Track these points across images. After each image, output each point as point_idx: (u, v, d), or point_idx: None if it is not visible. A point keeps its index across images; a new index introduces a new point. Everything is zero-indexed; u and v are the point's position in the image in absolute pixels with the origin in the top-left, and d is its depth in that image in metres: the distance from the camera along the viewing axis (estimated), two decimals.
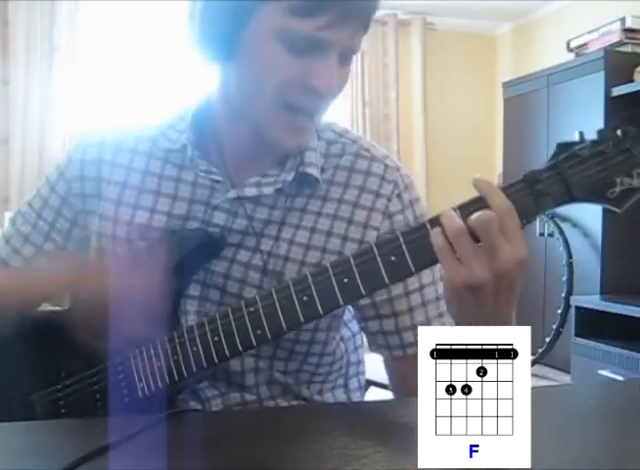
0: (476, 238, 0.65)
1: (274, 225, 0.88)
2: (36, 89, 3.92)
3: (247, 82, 0.81)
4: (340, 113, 4.42)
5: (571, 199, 0.66)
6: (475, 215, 0.65)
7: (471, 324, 0.68)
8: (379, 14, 0.83)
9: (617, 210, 0.66)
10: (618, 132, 0.66)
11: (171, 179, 0.90)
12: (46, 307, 1.19)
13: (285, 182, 0.87)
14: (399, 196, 0.90)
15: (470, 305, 0.67)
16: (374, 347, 0.94)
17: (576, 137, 0.67)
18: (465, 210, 0.66)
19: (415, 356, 0.87)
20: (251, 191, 0.87)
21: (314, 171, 0.88)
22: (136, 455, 0.59)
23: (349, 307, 0.97)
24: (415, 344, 0.89)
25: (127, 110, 3.99)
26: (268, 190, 0.87)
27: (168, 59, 4.07)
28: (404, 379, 0.93)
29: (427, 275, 0.90)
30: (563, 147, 0.67)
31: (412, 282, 0.89)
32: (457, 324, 0.72)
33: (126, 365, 0.82)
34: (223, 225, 0.88)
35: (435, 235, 0.66)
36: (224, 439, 0.65)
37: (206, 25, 0.79)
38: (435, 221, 0.67)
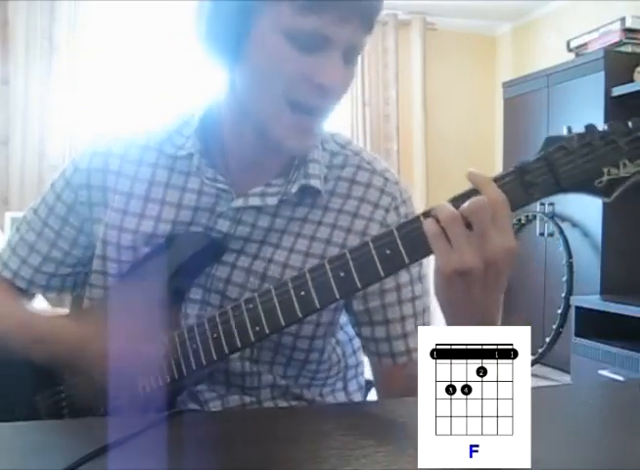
0: (468, 226, 0.66)
1: (275, 233, 0.89)
2: (36, 89, 3.91)
3: (253, 80, 0.81)
4: (340, 113, 4.41)
5: (560, 189, 0.68)
6: (468, 202, 0.66)
7: (457, 312, 0.71)
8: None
9: (606, 199, 0.67)
10: (605, 125, 0.67)
11: (177, 188, 0.90)
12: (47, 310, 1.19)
13: (288, 193, 0.88)
14: (397, 209, 0.92)
15: (458, 292, 0.69)
16: (366, 351, 0.95)
17: (565, 132, 0.70)
18: (458, 201, 0.68)
19: (403, 366, 0.89)
20: (255, 201, 0.88)
21: (317, 184, 0.89)
22: (136, 455, 0.59)
23: (344, 312, 0.97)
24: (404, 353, 0.91)
25: (127, 110, 3.99)
26: (272, 200, 0.88)
27: (169, 58, 4.07)
28: (388, 387, 0.94)
29: (418, 287, 0.92)
30: (551, 140, 0.68)
31: (405, 292, 0.91)
32: (443, 312, 0.74)
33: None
34: (226, 232, 0.88)
35: (428, 223, 0.68)
36: (224, 439, 0.65)
37: (214, 26, 0.80)
38: (428, 213, 0.69)
